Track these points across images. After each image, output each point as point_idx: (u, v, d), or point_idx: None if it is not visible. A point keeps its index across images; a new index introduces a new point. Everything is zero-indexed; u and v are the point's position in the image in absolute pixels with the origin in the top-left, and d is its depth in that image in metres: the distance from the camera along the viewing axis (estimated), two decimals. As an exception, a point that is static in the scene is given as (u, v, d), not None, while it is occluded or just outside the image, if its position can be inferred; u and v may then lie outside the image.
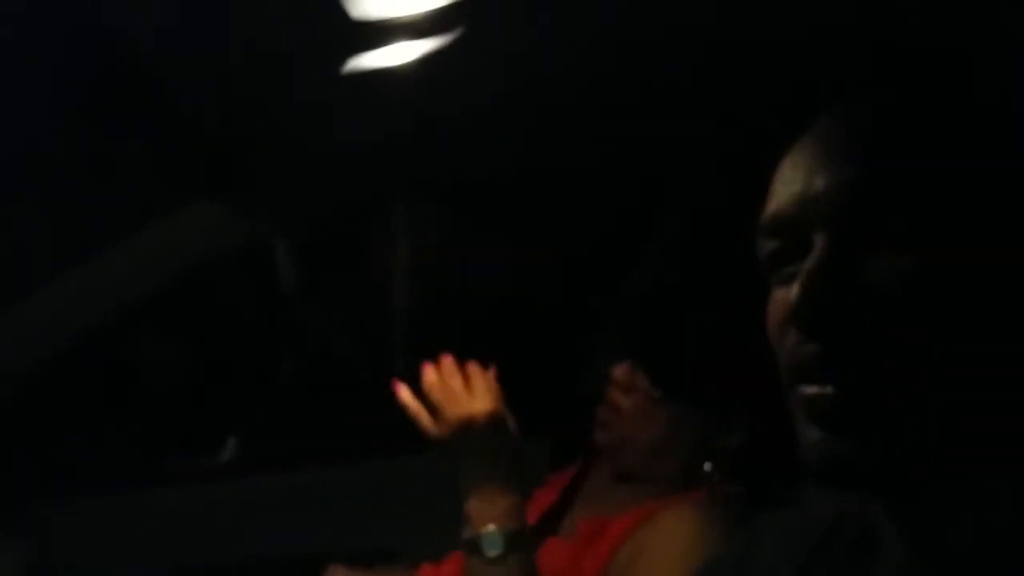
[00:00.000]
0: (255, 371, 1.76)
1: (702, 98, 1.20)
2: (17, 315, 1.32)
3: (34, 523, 1.41)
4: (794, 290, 0.54)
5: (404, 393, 1.10)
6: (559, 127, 1.23)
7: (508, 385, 1.68)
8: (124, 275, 1.33)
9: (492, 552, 1.02)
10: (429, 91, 1.04)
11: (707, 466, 1.16)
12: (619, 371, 1.19)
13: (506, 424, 1.09)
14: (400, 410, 1.30)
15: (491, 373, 1.12)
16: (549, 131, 1.24)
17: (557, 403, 1.46)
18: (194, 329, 1.74)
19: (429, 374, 1.10)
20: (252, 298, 1.75)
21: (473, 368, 1.10)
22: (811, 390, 0.54)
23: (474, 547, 1.04)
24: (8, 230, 1.25)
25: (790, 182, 0.58)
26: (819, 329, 0.53)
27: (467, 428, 1.06)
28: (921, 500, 0.55)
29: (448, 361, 1.11)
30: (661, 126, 1.26)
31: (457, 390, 1.08)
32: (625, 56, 1.06)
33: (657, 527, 1.09)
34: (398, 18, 0.89)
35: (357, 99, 1.06)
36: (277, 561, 1.30)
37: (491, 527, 1.03)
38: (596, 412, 1.21)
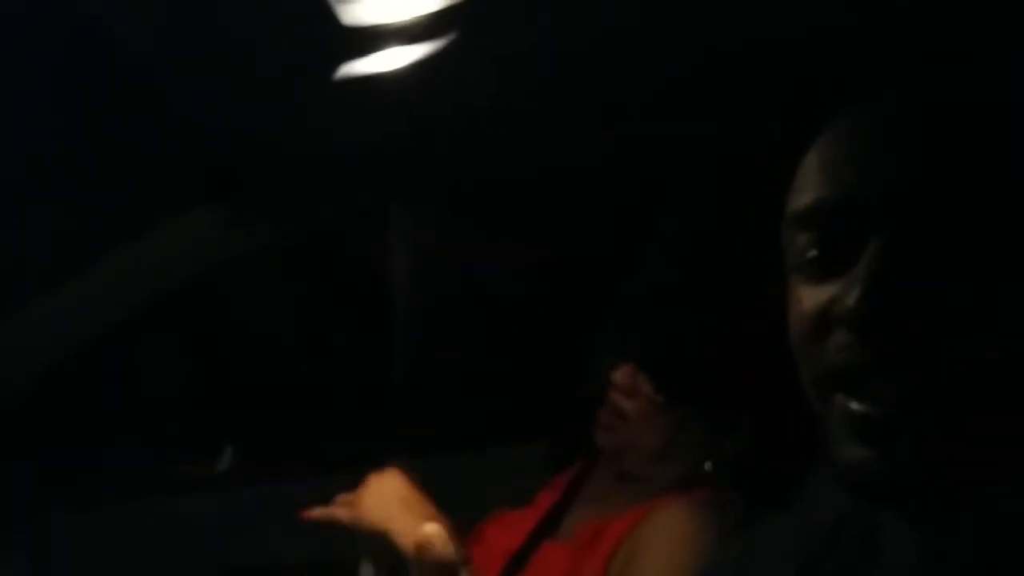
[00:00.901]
0: (255, 378, 1.76)
1: (702, 98, 1.19)
2: (17, 322, 1.32)
3: (34, 533, 1.41)
4: (853, 290, 0.50)
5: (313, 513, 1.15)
6: (556, 128, 1.23)
7: (508, 387, 1.69)
8: (124, 282, 1.33)
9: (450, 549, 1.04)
10: (425, 95, 1.04)
11: (707, 465, 1.16)
12: (620, 374, 1.18)
13: (388, 474, 1.14)
14: (399, 416, 1.31)
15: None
16: (546, 132, 1.23)
17: (557, 405, 1.46)
18: (195, 335, 1.74)
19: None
20: (254, 304, 1.75)
21: None
22: (858, 405, 0.51)
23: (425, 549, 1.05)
24: (9, 236, 1.25)
25: (839, 170, 0.54)
26: (879, 334, 0.50)
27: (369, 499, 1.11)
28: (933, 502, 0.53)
29: None
30: (660, 126, 1.26)
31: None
32: (622, 56, 1.06)
33: (653, 524, 1.09)
34: (390, 24, 0.89)
35: (354, 104, 1.06)
36: (278, 569, 1.30)
37: (431, 527, 1.04)
38: (597, 414, 1.21)
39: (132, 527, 1.48)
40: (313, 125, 1.14)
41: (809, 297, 0.55)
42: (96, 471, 1.51)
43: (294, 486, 1.51)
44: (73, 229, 1.30)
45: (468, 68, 1.00)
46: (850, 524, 0.63)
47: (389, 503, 1.10)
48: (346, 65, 0.95)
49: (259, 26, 0.91)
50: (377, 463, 1.20)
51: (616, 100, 1.18)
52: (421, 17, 0.88)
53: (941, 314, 0.49)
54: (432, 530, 1.04)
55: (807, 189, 0.56)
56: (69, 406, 1.49)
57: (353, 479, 1.15)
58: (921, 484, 0.51)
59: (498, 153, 1.27)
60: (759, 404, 1.10)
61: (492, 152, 1.27)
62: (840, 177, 0.54)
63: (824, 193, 0.54)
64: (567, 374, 1.56)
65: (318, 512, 1.15)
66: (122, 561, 1.43)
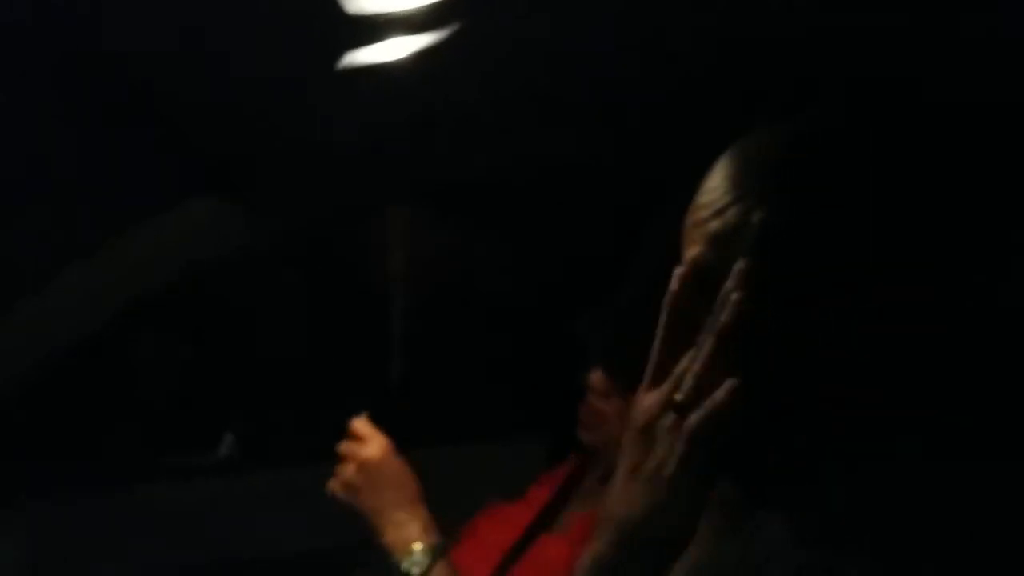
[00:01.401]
0: (253, 368, 1.75)
1: (703, 98, 1.19)
2: (15, 314, 1.31)
3: (32, 523, 1.40)
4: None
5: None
6: (557, 125, 1.22)
7: (505, 385, 1.69)
8: (122, 273, 1.32)
9: (416, 570, 1.08)
10: (425, 87, 1.04)
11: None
12: (594, 377, 1.19)
13: (387, 457, 1.17)
14: (398, 407, 1.31)
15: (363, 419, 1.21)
16: (547, 129, 1.23)
17: (553, 402, 1.46)
18: (192, 326, 1.74)
19: None
20: (250, 296, 1.74)
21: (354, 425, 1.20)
22: None
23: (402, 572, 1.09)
24: (6, 229, 1.24)
25: (699, 224, 0.57)
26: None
27: (355, 478, 1.15)
28: None
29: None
30: (662, 125, 1.25)
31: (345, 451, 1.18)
32: (626, 52, 1.05)
33: None
34: (394, 13, 0.89)
35: (353, 95, 1.06)
36: (277, 558, 1.30)
37: (415, 545, 1.09)
38: (579, 414, 1.22)
39: (129, 517, 1.47)
40: (313, 116, 1.14)
41: None
42: (94, 461, 1.50)
43: (290, 475, 1.51)
44: (68, 222, 1.30)
45: (470, 60, 1.00)
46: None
47: (383, 494, 1.13)
48: (349, 54, 0.95)
49: (260, 15, 0.91)
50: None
51: (617, 98, 1.18)
52: (425, 6, 0.88)
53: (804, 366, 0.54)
54: (417, 548, 1.09)
55: (686, 242, 0.60)
56: (66, 397, 1.48)
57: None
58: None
59: (498, 148, 1.27)
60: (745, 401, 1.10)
61: (492, 147, 1.27)
62: (704, 231, 0.57)
63: (695, 250, 0.58)
64: (560, 371, 1.56)
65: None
66: (119, 551, 1.42)
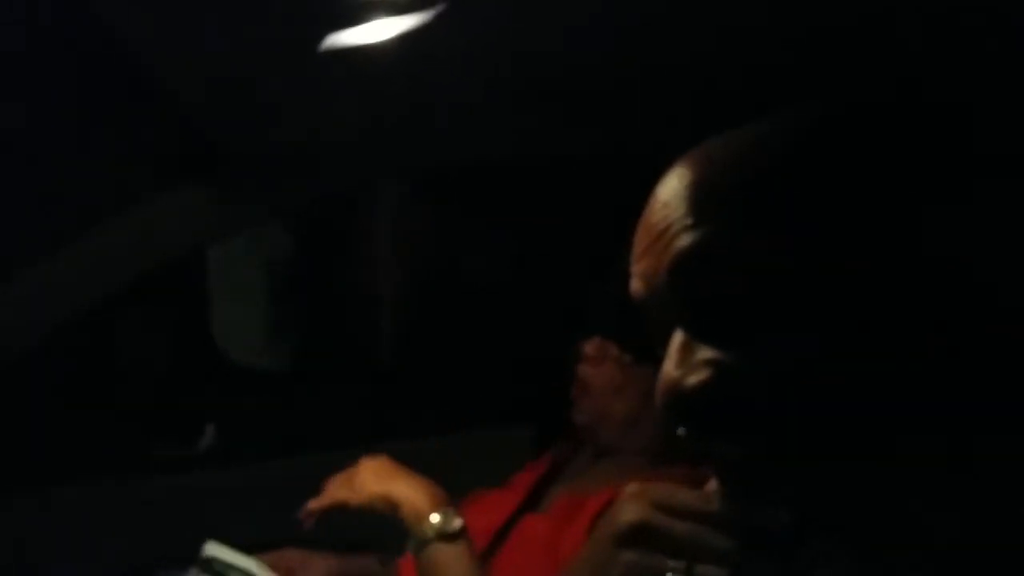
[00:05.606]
0: (236, 359, 1.74)
1: (698, 83, 1.18)
2: (-3, 299, 1.30)
3: (11, 514, 1.39)
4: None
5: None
6: (547, 110, 1.22)
7: (494, 371, 1.68)
8: (106, 260, 1.31)
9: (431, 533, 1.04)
10: (413, 68, 1.02)
11: (680, 431, 1.15)
12: (589, 345, 1.19)
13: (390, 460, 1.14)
14: (383, 398, 1.30)
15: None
16: (537, 114, 1.22)
17: (543, 389, 1.46)
18: (176, 316, 1.73)
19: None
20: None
21: None
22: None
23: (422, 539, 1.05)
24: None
25: (637, 258, 0.55)
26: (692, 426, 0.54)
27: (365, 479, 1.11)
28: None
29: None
30: (657, 111, 1.24)
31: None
32: (621, 35, 1.04)
33: None
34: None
35: (340, 77, 1.04)
36: (256, 550, 1.29)
37: (434, 516, 1.05)
38: (571, 393, 1.21)
39: (110, 509, 1.46)
40: (298, 100, 1.13)
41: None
42: (75, 451, 1.49)
43: (276, 467, 1.50)
44: (53, 209, 1.29)
45: (458, 41, 0.99)
46: None
47: (388, 475, 1.11)
48: (331, 36, 0.94)
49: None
50: (360, 444, 1.19)
51: (609, 83, 1.17)
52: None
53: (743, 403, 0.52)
54: (440, 512, 1.06)
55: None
56: (47, 385, 1.47)
57: (336, 459, 1.14)
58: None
59: (486, 133, 1.26)
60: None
61: (480, 132, 1.26)
62: (640, 264, 0.55)
63: (634, 285, 0.56)
64: (550, 358, 1.56)
65: (317, 504, 1.14)
66: (100, 542, 1.41)
